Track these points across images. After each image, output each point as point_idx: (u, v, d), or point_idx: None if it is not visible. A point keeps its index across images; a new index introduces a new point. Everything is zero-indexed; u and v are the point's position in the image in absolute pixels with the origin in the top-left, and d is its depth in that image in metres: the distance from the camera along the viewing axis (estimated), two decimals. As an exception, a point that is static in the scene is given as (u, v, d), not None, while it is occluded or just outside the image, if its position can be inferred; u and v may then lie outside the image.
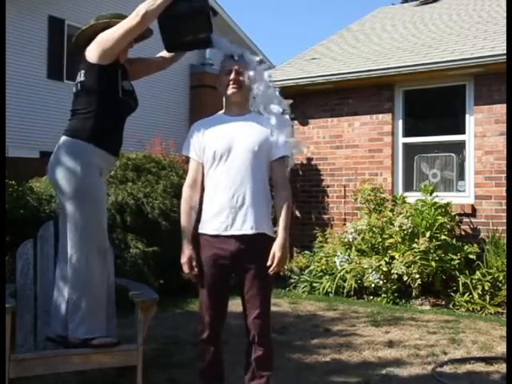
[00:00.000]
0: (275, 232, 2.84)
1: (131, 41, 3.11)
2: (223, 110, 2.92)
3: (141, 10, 2.90)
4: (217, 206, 2.78)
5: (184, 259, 2.81)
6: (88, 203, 3.03)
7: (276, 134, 2.85)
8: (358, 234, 6.71)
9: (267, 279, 2.82)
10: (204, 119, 2.95)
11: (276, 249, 2.78)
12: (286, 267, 6.93)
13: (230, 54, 2.88)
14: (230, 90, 2.81)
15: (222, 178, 2.78)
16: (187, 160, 2.99)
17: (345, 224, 7.34)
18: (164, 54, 3.28)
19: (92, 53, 3.04)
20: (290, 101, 3.04)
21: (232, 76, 2.80)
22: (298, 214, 7.84)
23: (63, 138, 3.10)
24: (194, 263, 2.80)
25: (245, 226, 2.75)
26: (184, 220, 2.85)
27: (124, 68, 3.17)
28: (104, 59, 3.03)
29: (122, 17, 3.09)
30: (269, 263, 2.77)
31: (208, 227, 2.81)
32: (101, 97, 3.05)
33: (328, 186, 7.83)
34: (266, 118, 2.90)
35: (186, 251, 2.81)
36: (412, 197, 6.99)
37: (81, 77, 3.09)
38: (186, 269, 2.82)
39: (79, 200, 3.02)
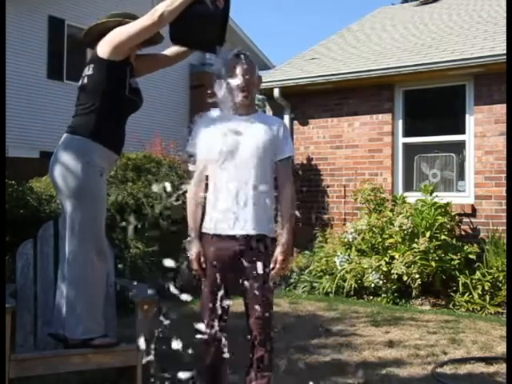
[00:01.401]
0: (275, 232, 2.84)
1: (139, 43, 3.08)
2: (228, 109, 2.86)
3: (158, 10, 2.85)
4: (220, 206, 2.77)
5: (193, 256, 2.81)
6: (87, 202, 3.01)
7: (282, 134, 2.85)
8: (358, 234, 6.71)
9: (269, 280, 2.82)
10: (207, 117, 2.91)
11: (278, 252, 2.79)
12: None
13: (236, 53, 2.87)
14: (240, 95, 2.78)
15: (226, 177, 2.78)
16: (187, 160, 2.97)
17: (345, 224, 7.34)
18: (171, 50, 3.26)
19: (104, 47, 3.02)
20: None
21: (241, 78, 2.77)
22: (298, 214, 7.81)
23: (65, 136, 3.07)
24: (202, 259, 2.81)
25: (247, 227, 2.75)
26: (190, 218, 2.85)
27: (132, 66, 3.15)
28: (115, 55, 3.01)
29: (134, 17, 3.07)
30: (272, 266, 2.78)
31: (210, 226, 2.81)
32: (107, 93, 3.03)
33: (328, 186, 7.83)
34: (272, 117, 2.90)
35: (195, 248, 2.82)
36: (412, 197, 6.99)
37: (89, 70, 3.07)
38: (194, 266, 2.82)
39: (78, 199, 3.00)
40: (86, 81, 3.08)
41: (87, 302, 3.03)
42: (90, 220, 3.03)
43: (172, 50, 3.26)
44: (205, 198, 2.87)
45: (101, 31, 3.10)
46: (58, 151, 3.06)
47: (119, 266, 5.00)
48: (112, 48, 3.00)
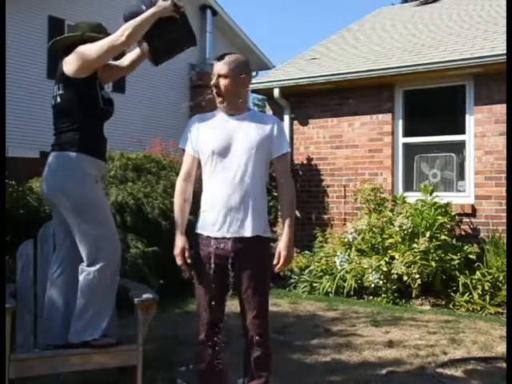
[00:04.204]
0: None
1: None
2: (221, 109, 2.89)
3: (127, 29, 2.94)
4: (214, 207, 2.77)
5: (177, 251, 2.80)
6: (91, 213, 3.08)
7: (276, 131, 2.85)
8: (358, 234, 6.71)
9: (265, 279, 2.82)
10: (203, 115, 2.95)
11: (282, 247, 2.79)
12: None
13: (220, 55, 2.86)
14: (217, 100, 2.80)
15: (219, 177, 2.78)
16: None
17: (345, 224, 7.34)
18: (128, 59, 3.32)
19: (70, 66, 3.06)
20: None
21: (214, 81, 2.79)
22: (298, 214, 7.83)
23: (54, 154, 3.13)
24: (187, 254, 2.79)
25: (242, 229, 2.75)
26: (177, 212, 2.85)
27: (99, 79, 3.21)
28: (82, 73, 3.05)
29: (100, 29, 3.17)
30: (275, 262, 2.78)
31: (206, 228, 2.80)
32: (83, 110, 3.10)
33: (328, 186, 7.83)
34: (265, 115, 2.89)
35: (179, 243, 2.80)
36: (412, 197, 6.99)
37: (59, 90, 3.12)
38: (179, 261, 2.81)
39: (83, 211, 3.06)
40: (59, 100, 3.13)
41: (95, 309, 3.08)
42: (102, 230, 3.09)
43: (129, 57, 3.32)
44: (195, 193, 2.87)
45: (66, 45, 3.16)
46: (51, 170, 3.12)
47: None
48: (80, 65, 3.03)
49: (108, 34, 3.15)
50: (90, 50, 3.02)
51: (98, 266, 3.06)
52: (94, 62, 3.02)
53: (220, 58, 2.82)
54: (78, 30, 3.18)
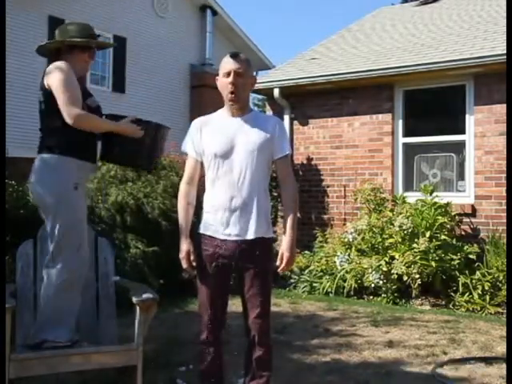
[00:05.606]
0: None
1: (94, 55, 3.31)
2: (224, 110, 2.89)
3: (89, 120, 3.10)
4: (218, 209, 2.77)
5: (182, 254, 2.82)
6: (64, 216, 3.09)
7: (278, 132, 2.84)
8: (358, 234, 6.71)
9: (267, 279, 2.82)
10: (205, 117, 2.94)
11: (284, 249, 2.80)
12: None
13: (229, 54, 2.86)
14: (230, 97, 2.77)
15: (222, 179, 2.78)
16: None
17: (345, 224, 7.34)
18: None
19: (51, 84, 3.10)
20: None
21: (231, 79, 2.75)
22: (298, 214, 7.82)
23: (38, 157, 3.15)
24: (192, 257, 2.80)
25: (245, 231, 2.75)
26: (181, 216, 2.86)
27: (84, 87, 3.25)
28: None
29: (86, 31, 3.24)
30: (278, 263, 2.79)
31: (209, 228, 2.80)
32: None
33: (328, 186, 7.83)
34: (267, 116, 2.89)
35: (184, 246, 2.82)
36: (412, 197, 6.99)
37: (42, 98, 3.18)
38: (184, 264, 2.82)
39: (55, 213, 3.09)
40: (43, 107, 3.18)
41: (52, 312, 3.08)
42: (69, 230, 3.10)
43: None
44: (198, 196, 2.88)
45: (52, 49, 3.29)
46: (35, 172, 3.15)
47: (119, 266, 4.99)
48: (55, 92, 3.07)
49: (94, 36, 3.27)
50: (61, 90, 3.05)
51: (58, 267, 3.08)
52: (64, 103, 3.05)
53: (234, 56, 2.79)
54: (63, 35, 3.24)
